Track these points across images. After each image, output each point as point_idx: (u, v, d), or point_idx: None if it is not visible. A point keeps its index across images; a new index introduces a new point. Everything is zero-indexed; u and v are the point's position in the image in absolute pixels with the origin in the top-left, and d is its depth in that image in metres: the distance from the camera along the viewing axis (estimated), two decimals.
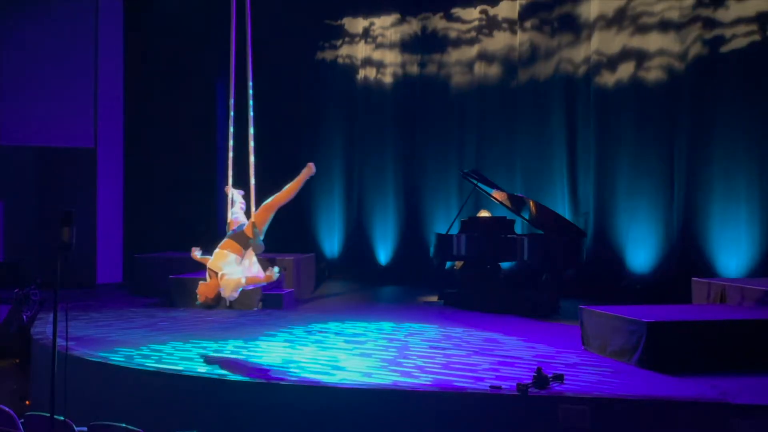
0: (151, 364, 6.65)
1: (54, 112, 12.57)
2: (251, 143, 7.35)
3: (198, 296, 6.67)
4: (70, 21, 12.72)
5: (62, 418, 4.45)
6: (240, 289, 6.72)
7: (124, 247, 13.19)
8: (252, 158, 7.29)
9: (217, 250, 6.84)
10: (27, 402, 7.60)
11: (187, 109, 13.88)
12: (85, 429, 4.65)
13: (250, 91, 7.40)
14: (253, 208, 7.20)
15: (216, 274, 6.64)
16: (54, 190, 12.83)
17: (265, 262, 7.51)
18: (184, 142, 13.85)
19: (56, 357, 4.36)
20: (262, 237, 7.06)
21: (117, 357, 6.89)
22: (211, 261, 6.76)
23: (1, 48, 12.45)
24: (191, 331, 8.37)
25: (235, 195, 7.53)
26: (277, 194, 7.24)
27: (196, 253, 7.11)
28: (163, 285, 10.57)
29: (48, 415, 4.31)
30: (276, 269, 6.76)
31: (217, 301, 6.70)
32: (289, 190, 7.27)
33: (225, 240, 6.92)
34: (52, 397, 4.21)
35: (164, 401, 6.22)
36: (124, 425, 4.54)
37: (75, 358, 6.77)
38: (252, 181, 7.23)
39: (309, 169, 7.34)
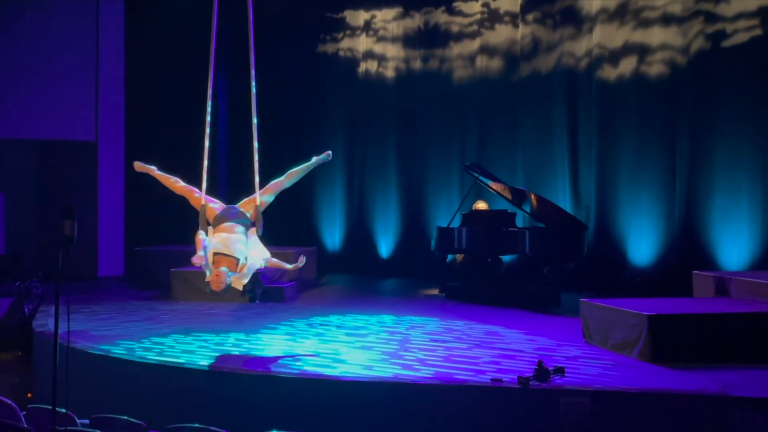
0: (152, 356, 6.66)
1: (55, 105, 12.56)
2: (255, 143, 7.26)
3: (212, 285, 6.04)
4: (72, 13, 12.70)
5: (64, 410, 4.45)
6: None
7: (126, 240, 13.18)
8: (256, 154, 7.18)
9: (223, 235, 6.27)
10: (29, 394, 7.61)
11: (189, 101, 13.83)
12: (87, 421, 4.66)
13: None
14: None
15: (236, 260, 6.09)
16: (55, 183, 12.82)
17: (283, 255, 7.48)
18: (185, 134, 13.80)
19: (58, 349, 4.36)
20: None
21: (118, 350, 6.91)
22: (217, 246, 6.16)
23: (1, 41, 12.43)
24: (192, 324, 8.38)
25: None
26: (283, 176, 6.93)
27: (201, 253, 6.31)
28: (165, 278, 10.57)
29: (50, 407, 4.31)
30: (303, 257, 6.65)
31: (227, 288, 6.10)
32: (297, 172, 6.93)
33: (227, 223, 6.39)
34: (54, 389, 4.21)
35: (165, 394, 6.23)
36: (125, 417, 4.55)
37: (77, 351, 6.77)
38: (256, 164, 7.08)
39: (325, 155, 7.02)
